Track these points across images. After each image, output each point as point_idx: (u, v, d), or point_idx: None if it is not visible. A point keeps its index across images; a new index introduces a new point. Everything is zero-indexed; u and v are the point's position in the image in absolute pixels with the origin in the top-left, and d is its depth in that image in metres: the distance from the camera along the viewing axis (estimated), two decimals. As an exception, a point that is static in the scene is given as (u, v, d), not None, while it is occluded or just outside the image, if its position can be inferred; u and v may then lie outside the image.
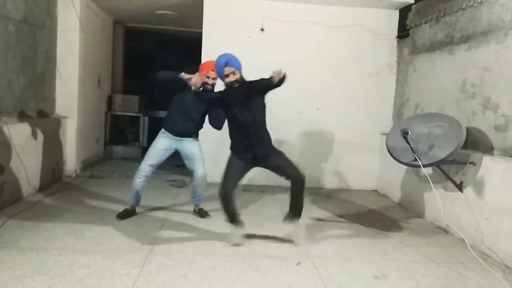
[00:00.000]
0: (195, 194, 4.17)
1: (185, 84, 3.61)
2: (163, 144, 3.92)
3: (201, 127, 4.05)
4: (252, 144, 3.32)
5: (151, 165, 3.92)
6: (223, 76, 3.22)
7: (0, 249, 3.02)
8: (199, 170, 3.98)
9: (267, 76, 3.02)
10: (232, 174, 3.33)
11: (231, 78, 3.18)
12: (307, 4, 5.62)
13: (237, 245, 3.38)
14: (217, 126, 3.69)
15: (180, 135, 3.93)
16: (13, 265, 2.76)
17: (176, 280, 2.72)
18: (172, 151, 4.00)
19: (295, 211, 3.44)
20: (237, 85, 3.20)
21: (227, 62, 3.17)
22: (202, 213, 4.18)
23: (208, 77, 3.70)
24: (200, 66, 3.85)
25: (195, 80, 3.57)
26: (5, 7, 4.17)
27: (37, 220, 3.70)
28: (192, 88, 3.62)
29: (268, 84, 3.01)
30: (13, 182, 4.15)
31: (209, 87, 3.73)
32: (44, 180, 4.84)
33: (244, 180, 5.69)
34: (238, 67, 3.23)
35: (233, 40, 5.63)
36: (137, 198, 4.02)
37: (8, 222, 3.59)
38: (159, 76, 3.66)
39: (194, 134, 4.02)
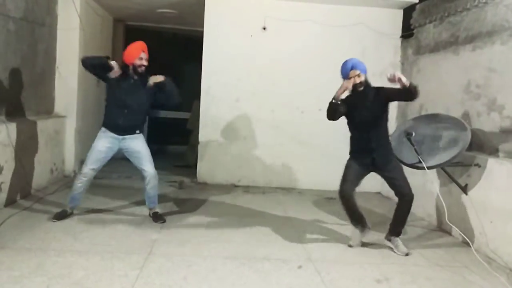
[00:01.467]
0: (148, 196, 3.86)
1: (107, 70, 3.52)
2: (104, 145, 3.66)
3: (144, 120, 3.79)
4: (373, 148, 3.36)
5: (94, 169, 3.69)
6: (347, 78, 3.33)
7: (-2, 250, 2.99)
8: (148, 168, 3.71)
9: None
10: (350, 177, 3.43)
11: (357, 80, 3.30)
12: (310, 3, 5.57)
13: (350, 246, 3.49)
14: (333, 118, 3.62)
15: (121, 132, 3.65)
16: (11, 266, 2.74)
17: (176, 282, 2.68)
18: (116, 151, 3.74)
19: (395, 229, 3.47)
20: (361, 88, 3.33)
21: (353, 65, 3.32)
22: (156, 217, 3.86)
23: (141, 59, 3.58)
24: (127, 52, 3.66)
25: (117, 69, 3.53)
26: (5, 5, 4.14)
27: (35, 221, 3.67)
28: (112, 75, 3.55)
29: (404, 91, 3.21)
30: (11, 181, 4.10)
31: (142, 69, 3.61)
32: (42, 180, 4.80)
33: (246, 182, 5.72)
34: (364, 71, 3.37)
35: (234, 39, 5.59)
36: (76, 201, 3.82)
37: (6, 222, 3.55)
38: (85, 60, 3.59)
39: (137, 129, 3.72)
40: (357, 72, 3.30)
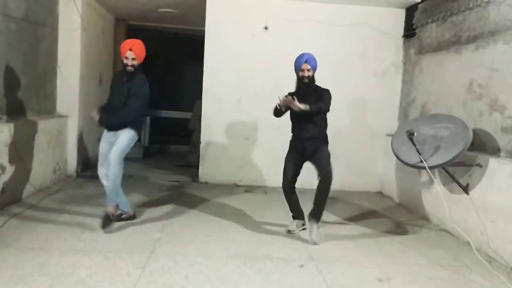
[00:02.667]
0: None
1: None
2: (104, 144, 3.67)
3: (133, 117, 3.60)
4: (306, 138, 3.67)
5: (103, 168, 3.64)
6: (299, 70, 3.68)
7: (1, 249, 3.00)
8: (112, 153, 3.53)
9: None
10: (289, 171, 3.74)
11: (306, 74, 3.65)
12: (311, 2, 5.57)
13: (289, 231, 3.76)
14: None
15: (113, 129, 3.61)
16: (14, 265, 2.75)
17: (178, 281, 2.70)
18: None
19: (315, 212, 3.65)
20: (307, 81, 3.65)
21: (307, 59, 3.65)
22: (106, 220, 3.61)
23: (126, 58, 3.50)
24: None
25: None
26: (7, 5, 4.15)
27: (38, 220, 3.69)
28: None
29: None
30: (14, 181, 4.12)
31: (130, 68, 3.52)
32: (45, 180, 4.82)
33: (248, 181, 5.72)
34: (314, 67, 3.72)
35: (236, 39, 5.59)
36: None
37: (10, 221, 3.57)
38: None
39: (127, 125, 3.60)
40: (308, 67, 3.63)
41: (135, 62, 3.53)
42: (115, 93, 3.68)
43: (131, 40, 3.61)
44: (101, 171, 3.65)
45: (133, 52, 3.51)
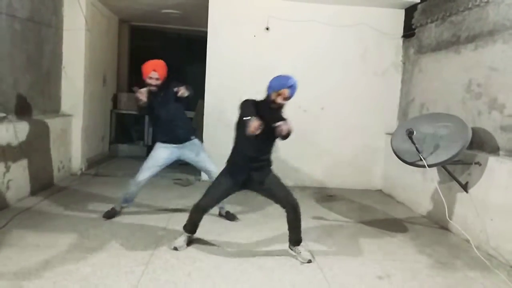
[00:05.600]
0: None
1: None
2: (163, 155, 3.81)
3: (189, 124, 3.95)
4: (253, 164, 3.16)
5: (149, 176, 3.82)
6: (275, 92, 3.03)
7: (6, 247, 3.04)
8: (212, 168, 3.86)
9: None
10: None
11: (279, 100, 3.03)
12: (312, 3, 5.60)
13: (175, 249, 3.21)
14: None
15: (178, 142, 3.82)
16: (18, 263, 2.78)
17: (180, 278, 2.73)
18: (174, 159, 3.88)
19: (293, 238, 3.28)
20: (275, 107, 3.07)
21: (292, 86, 3.05)
22: (230, 216, 4.06)
23: (150, 78, 3.63)
24: (142, 68, 3.73)
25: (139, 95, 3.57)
26: (11, 5, 4.19)
27: (43, 218, 3.73)
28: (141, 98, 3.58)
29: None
30: (19, 179, 4.17)
31: (154, 88, 3.65)
32: (49, 178, 4.87)
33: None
34: (291, 97, 3.11)
35: (238, 39, 5.63)
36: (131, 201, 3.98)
37: (14, 219, 3.61)
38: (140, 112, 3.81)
39: (190, 136, 3.89)
40: (287, 94, 3.02)
41: (159, 82, 3.67)
42: (160, 108, 3.75)
43: (153, 62, 3.71)
44: (144, 177, 3.76)
45: (157, 73, 3.65)
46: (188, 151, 3.87)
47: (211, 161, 3.94)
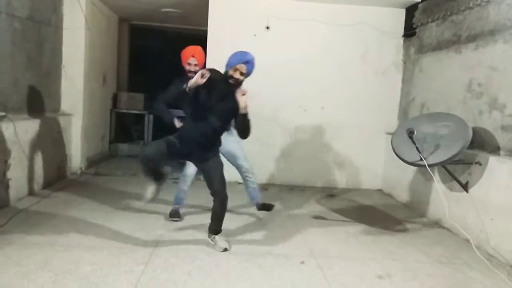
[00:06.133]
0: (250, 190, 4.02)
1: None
2: None
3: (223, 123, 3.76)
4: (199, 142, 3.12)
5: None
6: (232, 67, 3.05)
7: (6, 245, 3.03)
8: (245, 164, 3.90)
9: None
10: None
11: (237, 76, 3.05)
12: (312, 2, 5.59)
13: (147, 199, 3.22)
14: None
15: None
16: (18, 261, 2.78)
17: (180, 277, 2.72)
18: None
19: (212, 227, 3.30)
20: (233, 82, 3.06)
21: (248, 61, 3.08)
22: (267, 206, 4.07)
23: (189, 64, 3.59)
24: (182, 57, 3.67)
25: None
26: (11, 4, 4.18)
27: (42, 217, 3.72)
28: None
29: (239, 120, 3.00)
30: (19, 178, 4.16)
31: (192, 74, 3.49)
32: (49, 177, 4.86)
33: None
34: (249, 73, 3.14)
35: (238, 38, 5.61)
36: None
37: (14, 218, 3.60)
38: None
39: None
40: (244, 70, 3.05)
41: (197, 68, 3.60)
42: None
43: (192, 47, 3.67)
44: (192, 174, 3.83)
45: (195, 59, 3.62)
46: (225, 146, 3.75)
47: (245, 157, 3.93)
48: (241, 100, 2.93)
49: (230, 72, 3.06)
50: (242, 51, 3.14)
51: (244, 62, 3.06)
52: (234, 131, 3.67)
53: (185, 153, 3.17)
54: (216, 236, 3.26)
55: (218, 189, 3.18)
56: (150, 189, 3.20)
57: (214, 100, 3.05)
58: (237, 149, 3.93)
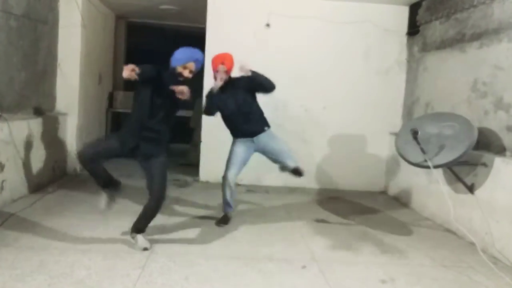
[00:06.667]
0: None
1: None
2: (241, 149, 3.83)
3: (257, 116, 3.86)
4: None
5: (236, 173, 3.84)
6: (181, 65, 3.06)
7: (0, 248, 2.98)
8: (289, 163, 3.85)
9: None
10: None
11: (186, 74, 3.07)
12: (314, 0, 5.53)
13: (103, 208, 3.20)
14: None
15: (252, 134, 3.82)
16: (13, 264, 2.73)
17: (177, 282, 2.66)
18: (252, 152, 3.89)
19: (136, 225, 3.20)
20: (181, 79, 3.08)
21: (198, 59, 3.11)
22: (295, 171, 3.95)
23: (218, 71, 3.64)
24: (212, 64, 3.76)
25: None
26: (7, 1, 4.12)
27: (37, 219, 3.66)
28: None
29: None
30: (13, 179, 4.10)
31: (221, 83, 3.67)
32: (44, 178, 4.79)
33: (249, 181, 5.68)
34: (196, 72, 3.17)
35: (237, 36, 5.55)
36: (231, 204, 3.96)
37: (8, 220, 3.55)
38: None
39: (264, 127, 3.87)
40: (193, 68, 3.09)
41: (227, 76, 3.69)
42: (230, 105, 3.75)
43: (221, 54, 3.73)
44: (232, 174, 3.78)
45: (225, 66, 3.65)
46: (263, 143, 3.82)
47: (289, 155, 3.87)
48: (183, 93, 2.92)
49: (179, 69, 3.05)
50: (191, 48, 3.12)
51: (194, 60, 3.06)
52: (269, 129, 3.85)
53: (131, 149, 3.10)
54: (138, 235, 3.16)
55: (157, 189, 3.12)
56: (103, 198, 3.17)
57: (162, 96, 3.04)
58: (276, 144, 3.86)
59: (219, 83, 3.62)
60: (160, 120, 3.09)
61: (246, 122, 3.77)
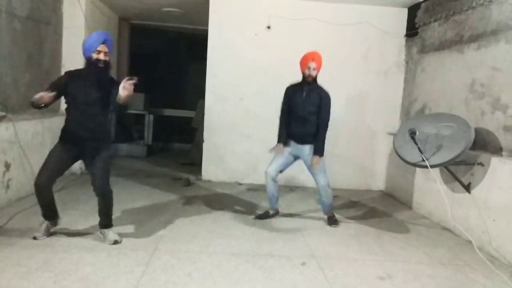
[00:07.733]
0: (322, 203, 4.13)
1: None
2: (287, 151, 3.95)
3: (310, 127, 3.91)
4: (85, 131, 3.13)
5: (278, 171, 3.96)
6: (94, 51, 3.01)
7: (6, 246, 3.02)
8: (320, 181, 3.95)
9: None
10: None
11: (102, 57, 3.04)
12: (314, 2, 5.58)
13: (34, 238, 3.18)
14: None
15: (299, 141, 3.92)
16: (18, 262, 2.77)
17: (181, 278, 2.71)
18: (294, 159, 4.00)
19: (102, 222, 3.32)
20: (102, 65, 3.06)
21: (107, 39, 3.07)
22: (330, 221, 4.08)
23: (309, 68, 3.75)
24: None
25: None
26: (11, 3, 4.17)
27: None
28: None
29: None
30: (19, 179, 4.16)
31: (310, 79, 3.80)
32: (49, 177, 4.83)
33: (250, 180, 5.73)
34: (111, 50, 3.15)
35: (239, 38, 5.61)
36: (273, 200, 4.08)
37: (14, 218, 3.60)
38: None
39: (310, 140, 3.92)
40: (106, 49, 3.05)
41: (315, 73, 3.81)
42: (299, 105, 3.88)
43: (311, 52, 3.85)
44: (272, 171, 3.94)
45: (314, 62, 3.77)
46: (304, 154, 3.91)
47: (323, 174, 3.93)
48: (124, 89, 2.90)
49: (95, 56, 3.02)
50: (95, 33, 3.10)
51: (103, 41, 3.04)
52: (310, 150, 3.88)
53: (78, 151, 3.16)
54: (106, 230, 3.27)
55: (98, 185, 3.18)
56: (43, 226, 3.24)
57: (89, 90, 3.06)
58: (321, 168, 3.92)
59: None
60: (94, 116, 3.11)
61: (302, 126, 3.87)
